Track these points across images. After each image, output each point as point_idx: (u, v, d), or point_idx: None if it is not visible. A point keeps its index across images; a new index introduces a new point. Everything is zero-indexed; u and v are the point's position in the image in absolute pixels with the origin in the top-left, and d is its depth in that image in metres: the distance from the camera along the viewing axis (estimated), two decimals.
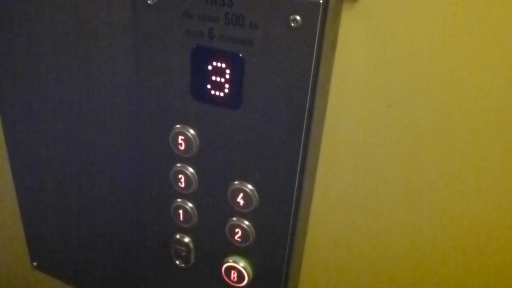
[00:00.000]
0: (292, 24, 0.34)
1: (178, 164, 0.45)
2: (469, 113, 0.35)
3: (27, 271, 0.70)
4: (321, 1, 0.33)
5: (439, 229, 0.40)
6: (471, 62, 0.33)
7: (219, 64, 0.38)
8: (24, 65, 0.50)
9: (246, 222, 0.44)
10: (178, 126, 0.43)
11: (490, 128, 0.35)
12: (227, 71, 0.38)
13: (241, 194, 0.43)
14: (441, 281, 0.43)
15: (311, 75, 0.35)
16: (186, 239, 0.49)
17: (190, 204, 0.47)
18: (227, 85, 0.39)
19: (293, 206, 0.42)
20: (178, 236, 0.49)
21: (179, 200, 0.47)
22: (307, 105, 0.37)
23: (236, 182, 0.43)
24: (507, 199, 0.37)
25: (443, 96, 0.35)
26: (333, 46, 0.37)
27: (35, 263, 0.66)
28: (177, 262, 0.51)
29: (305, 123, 0.38)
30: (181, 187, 0.46)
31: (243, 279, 0.47)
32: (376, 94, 0.37)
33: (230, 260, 0.47)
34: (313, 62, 0.35)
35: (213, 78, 0.39)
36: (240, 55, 0.37)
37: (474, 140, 0.36)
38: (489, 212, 0.38)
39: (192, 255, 0.50)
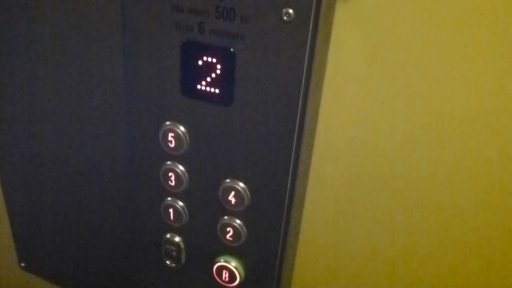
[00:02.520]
0: (285, 18, 0.33)
1: (168, 162, 0.44)
2: (464, 110, 0.35)
3: (15, 272, 0.69)
4: None
5: (434, 228, 0.40)
6: (467, 57, 0.33)
7: (209, 59, 0.38)
8: (7, 59, 0.48)
9: (238, 221, 0.44)
10: (168, 123, 0.42)
11: (487, 123, 0.35)
12: (218, 66, 0.37)
13: (233, 193, 0.42)
14: (437, 282, 0.42)
15: (304, 70, 0.35)
16: (177, 239, 0.48)
17: (180, 203, 0.46)
18: (218, 81, 0.38)
19: (285, 205, 0.41)
20: (168, 236, 0.49)
21: (169, 199, 0.46)
22: (300, 101, 0.36)
23: (227, 180, 0.42)
24: (505, 197, 0.36)
25: (438, 92, 0.35)
26: (327, 41, 0.36)
27: (22, 264, 0.66)
28: (168, 262, 0.50)
29: (298, 120, 0.37)
30: (171, 186, 0.45)
31: (235, 279, 0.47)
32: (370, 90, 0.37)
33: (222, 260, 0.46)
34: (306, 57, 0.34)
35: (204, 73, 0.38)
36: (231, 49, 0.36)
37: (470, 136, 0.35)
38: (487, 210, 0.37)
39: (183, 255, 0.49)
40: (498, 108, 0.34)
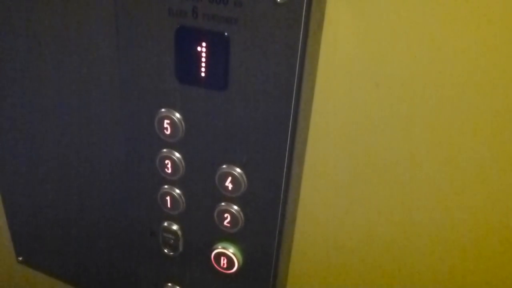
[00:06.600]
0: (278, 0, 0.33)
1: (164, 150, 0.44)
2: (461, 91, 0.35)
3: (13, 266, 0.69)
4: None
5: (433, 218, 0.40)
6: (461, 38, 0.33)
7: (203, 44, 0.37)
8: None
9: (235, 207, 0.44)
10: (163, 110, 0.42)
11: (484, 104, 0.34)
12: (212, 51, 0.37)
13: (230, 178, 0.42)
14: (436, 275, 0.42)
15: (299, 53, 0.35)
16: (174, 227, 0.48)
17: (177, 191, 0.46)
18: (212, 66, 0.38)
19: (282, 189, 0.41)
20: (166, 224, 0.49)
21: (166, 186, 0.46)
22: (295, 84, 0.36)
23: (224, 166, 0.42)
24: (504, 183, 0.36)
25: (432, 73, 0.35)
26: (320, 23, 0.36)
27: (20, 258, 0.65)
28: (166, 251, 0.50)
29: (293, 103, 0.37)
30: (167, 173, 0.45)
31: (233, 265, 0.47)
32: (364, 72, 0.37)
33: (220, 247, 0.47)
34: (300, 39, 0.34)
35: (198, 59, 0.38)
36: (225, 34, 0.36)
37: (467, 118, 0.35)
38: (487, 198, 0.37)
39: (181, 243, 0.49)
40: (496, 90, 0.33)
